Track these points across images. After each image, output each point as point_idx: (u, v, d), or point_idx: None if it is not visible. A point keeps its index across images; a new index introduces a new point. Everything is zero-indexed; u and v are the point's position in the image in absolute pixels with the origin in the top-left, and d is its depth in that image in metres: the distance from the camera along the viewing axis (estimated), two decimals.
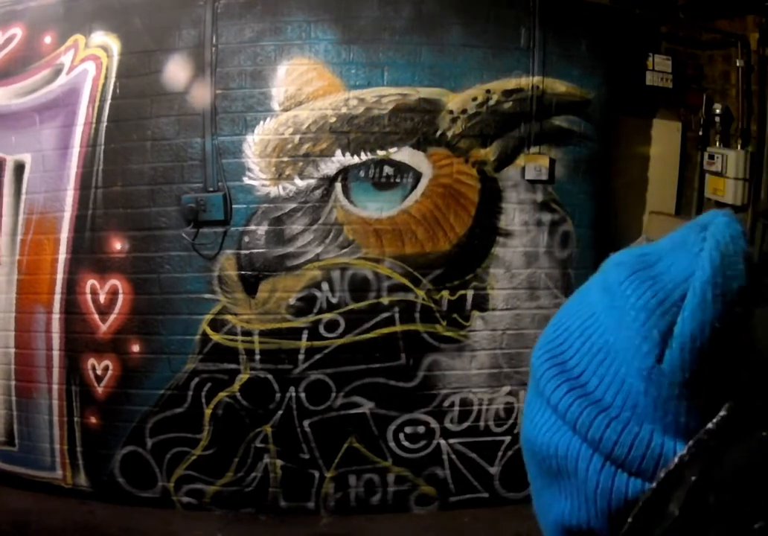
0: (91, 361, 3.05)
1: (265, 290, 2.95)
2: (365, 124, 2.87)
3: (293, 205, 2.91)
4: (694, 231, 0.40)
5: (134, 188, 2.95)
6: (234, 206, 2.92)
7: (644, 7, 2.99)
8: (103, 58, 2.92)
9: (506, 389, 3.08)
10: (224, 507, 3.07)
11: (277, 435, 3.01)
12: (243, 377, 2.99)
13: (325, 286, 2.94)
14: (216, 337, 2.98)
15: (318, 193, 2.90)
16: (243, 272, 2.95)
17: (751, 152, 2.86)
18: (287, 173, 2.90)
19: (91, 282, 3.02)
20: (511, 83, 2.90)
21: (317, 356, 2.97)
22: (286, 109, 2.87)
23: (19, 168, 3.05)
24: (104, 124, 2.94)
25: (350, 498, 3.05)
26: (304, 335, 2.96)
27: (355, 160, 2.89)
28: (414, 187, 2.92)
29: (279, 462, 3.03)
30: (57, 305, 3.06)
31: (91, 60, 2.93)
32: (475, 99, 2.89)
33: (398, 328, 2.96)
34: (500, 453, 3.09)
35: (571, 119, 2.95)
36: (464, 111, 2.89)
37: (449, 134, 2.90)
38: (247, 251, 2.95)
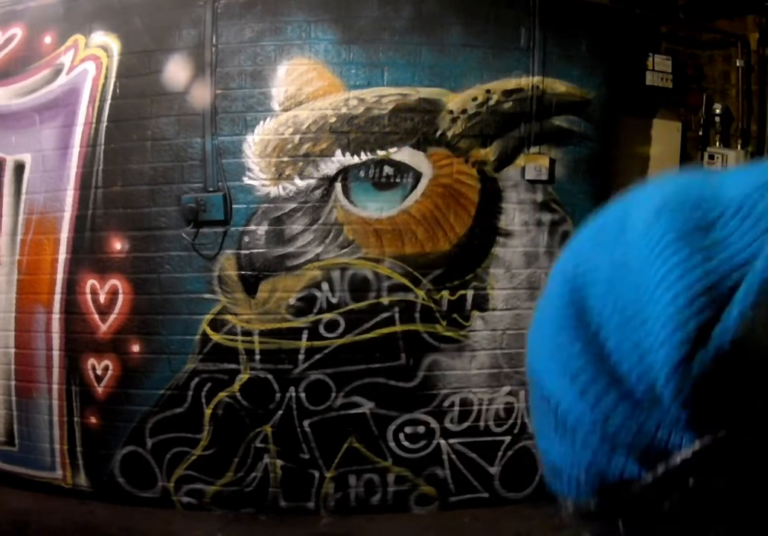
0: (91, 361, 3.05)
1: (265, 290, 2.95)
2: (365, 124, 2.87)
3: (293, 205, 2.91)
4: None
5: (134, 188, 2.95)
6: (234, 206, 2.92)
7: (644, 7, 2.99)
8: (103, 58, 2.92)
9: (506, 389, 3.08)
10: (224, 507, 3.07)
11: (277, 435, 3.01)
12: (243, 377, 2.99)
13: (325, 286, 2.94)
14: (216, 337, 2.98)
15: (318, 193, 2.90)
16: (243, 272, 2.96)
17: (751, 152, 2.86)
18: (287, 173, 2.90)
19: (91, 282, 3.02)
20: (511, 83, 2.90)
21: (317, 356, 2.97)
22: (286, 109, 2.87)
23: (19, 168, 3.05)
24: (104, 124, 2.94)
25: (350, 498, 3.05)
26: (304, 335, 2.96)
27: (355, 160, 2.89)
28: (414, 187, 2.92)
29: (279, 462, 3.03)
30: (57, 305, 3.06)
31: (91, 60, 2.93)
32: (475, 99, 2.89)
33: (398, 328, 2.96)
34: (500, 453, 3.09)
35: (571, 119, 2.95)
36: (464, 111, 2.89)
37: (449, 134, 2.90)
38: (247, 251, 2.95)
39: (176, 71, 2.89)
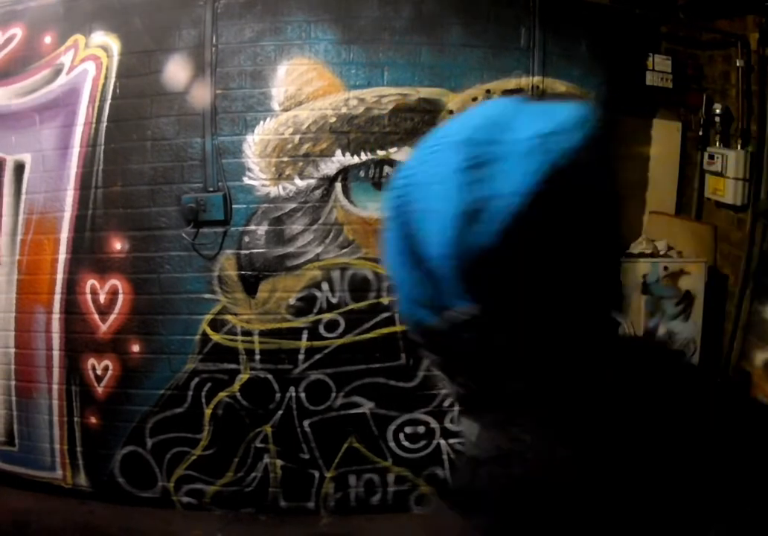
0: (91, 361, 3.05)
1: (265, 290, 2.95)
2: (365, 124, 2.87)
3: (293, 205, 2.91)
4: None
5: (134, 188, 2.95)
6: (234, 206, 2.92)
7: (644, 7, 2.99)
8: (103, 58, 2.92)
9: None
10: (224, 507, 3.07)
11: (277, 435, 3.01)
12: (243, 377, 2.99)
13: (325, 286, 2.94)
14: (216, 337, 2.98)
15: (318, 193, 2.90)
16: (243, 272, 2.95)
17: (751, 152, 2.86)
18: (287, 173, 2.90)
19: (91, 282, 3.02)
20: (511, 83, 2.90)
21: (317, 356, 2.97)
22: (286, 109, 2.87)
23: (19, 168, 3.05)
24: (104, 124, 2.94)
25: (350, 498, 3.05)
26: (304, 335, 2.96)
27: (355, 160, 2.89)
28: None
29: (279, 462, 3.03)
30: (57, 305, 3.06)
31: (91, 60, 2.93)
32: (475, 99, 2.89)
33: (398, 328, 2.96)
34: None
35: None
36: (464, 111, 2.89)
37: None
38: (247, 251, 2.95)
39: (176, 71, 2.89)
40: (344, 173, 2.90)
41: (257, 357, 2.97)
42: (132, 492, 3.11)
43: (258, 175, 2.91)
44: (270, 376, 2.98)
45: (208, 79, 2.88)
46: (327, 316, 2.95)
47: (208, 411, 3.02)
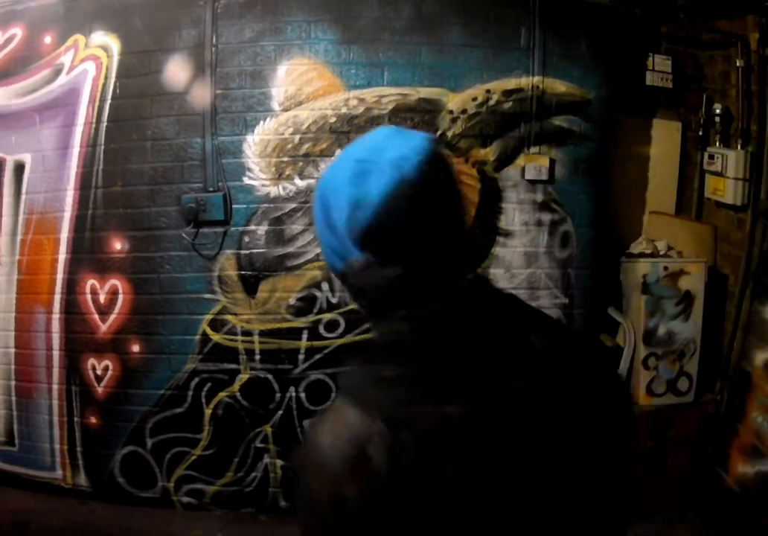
0: (91, 361, 3.06)
1: (265, 290, 2.95)
2: (365, 124, 2.86)
3: (293, 205, 2.91)
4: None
5: (134, 188, 2.95)
6: (234, 206, 2.92)
7: (644, 7, 2.99)
8: (103, 58, 2.92)
9: None
10: (224, 507, 3.07)
11: (277, 435, 3.01)
12: (243, 377, 2.99)
13: (325, 286, 2.94)
14: (216, 337, 2.98)
15: None
16: (243, 272, 2.96)
17: (751, 152, 2.86)
18: (287, 173, 2.90)
19: (91, 282, 3.02)
20: (511, 83, 2.90)
21: (317, 356, 2.97)
22: (286, 109, 2.87)
23: (19, 168, 3.05)
24: (104, 124, 2.94)
25: None
26: (304, 335, 2.96)
27: None
28: None
29: (279, 462, 3.03)
30: (57, 305, 3.06)
31: (91, 60, 2.93)
32: (475, 99, 2.89)
33: None
34: None
35: (571, 119, 2.95)
36: (464, 111, 2.89)
37: (449, 133, 2.90)
38: (247, 251, 2.95)
39: (176, 71, 2.89)
40: None
41: (257, 357, 2.97)
42: (132, 492, 3.11)
43: (258, 175, 2.91)
44: (270, 376, 2.98)
45: (208, 79, 2.88)
46: (327, 316, 2.95)
47: (208, 411, 3.02)
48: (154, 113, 2.91)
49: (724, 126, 3.05)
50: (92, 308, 3.03)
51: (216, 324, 2.97)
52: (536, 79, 2.89)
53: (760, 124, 2.82)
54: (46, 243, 3.05)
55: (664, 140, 3.30)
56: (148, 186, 2.94)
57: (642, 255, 3.05)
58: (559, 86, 2.92)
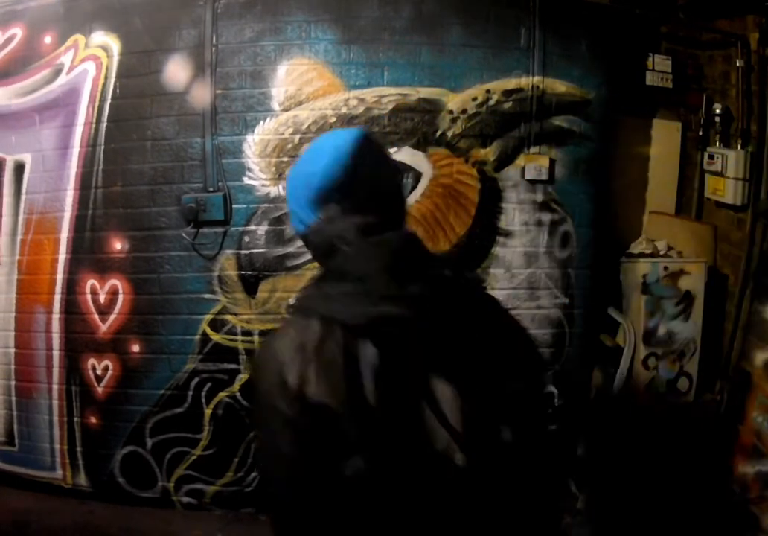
0: (91, 361, 3.06)
1: (265, 290, 2.95)
2: (365, 124, 2.87)
3: None
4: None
5: (134, 188, 2.95)
6: (234, 206, 2.92)
7: (644, 7, 2.99)
8: (103, 58, 2.92)
9: None
10: (224, 507, 3.08)
11: None
12: (243, 377, 2.99)
13: None
14: (216, 337, 2.98)
15: None
16: (243, 272, 2.96)
17: (751, 152, 2.86)
18: (287, 173, 2.89)
19: (91, 282, 3.02)
20: (511, 83, 2.90)
21: None
22: (286, 109, 2.88)
23: (19, 168, 3.05)
24: (104, 124, 2.94)
25: None
26: None
27: None
28: (414, 187, 2.92)
29: None
30: (57, 305, 3.07)
31: (91, 60, 2.94)
32: (475, 99, 2.89)
33: None
34: None
35: (571, 119, 2.95)
36: (464, 111, 2.89)
37: (449, 133, 2.90)
38: (247, 251, 2.95)
39: (176, 71, 2.89)
40: None
41: None
42: (132, 492, 3.12)
43: (258, 175, 2.91)
44: None
45: (208, 79, 2.88)
46: None
47: (208, 411, 3.02)
48: (154, 113, 2.91)
49: (724, 126, 3.05)
50: (92, 308, 3.03)
51: (216, 324, 2.97)
52: (536, 79, 2.90)
53: (760, 124, 2.82)
54: (46, 243, 3.05)
55: (664, 140, 3.30)
56: (148, 186, 2.94)
57: (642, 255, 3.05)
58: (559, 86, 2.92)
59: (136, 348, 3.01)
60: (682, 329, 2.88)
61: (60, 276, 3.05)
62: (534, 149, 2.94)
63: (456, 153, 2.91)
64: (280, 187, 2.91)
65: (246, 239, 2.94)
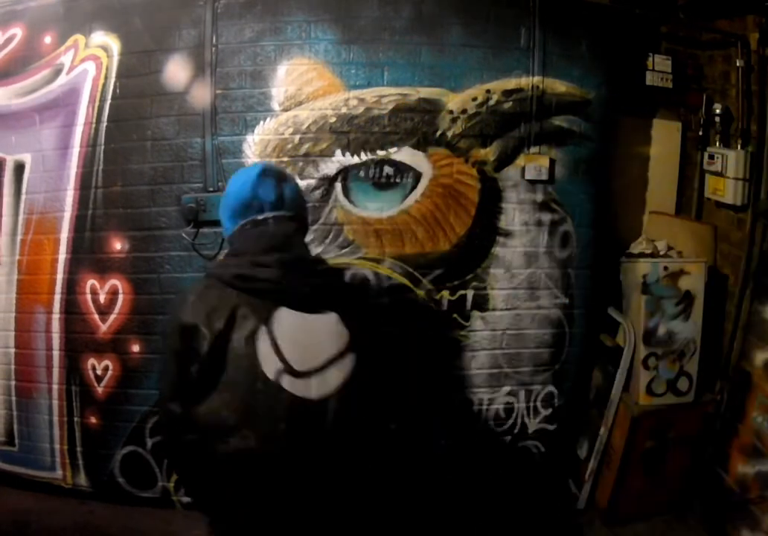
0: (91, 361, 3.06)
1: None
2: (365, 124, 2.87)
3: None
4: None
5: (134, 188, 2.95)
6: None
7: (644, 7, 2.99)
8: (103, 58, 2.92)
9: (506, 389, 3.08)
10: None
11: None
12: None
13: None
14: None
15: (318, 193, 2.90)
16: None
17: (751, 152, 2.86)
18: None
19: (91, 282, 3.02)
20: (511, 83, 2.90)
21: None
22: (286, 109, 2.88)
23: (19, 168, 3.05)
24: (104, 124, 2.94)
25: None
26: None
27: (355, 160, 2.89)
28: (414, 187, 2.92)
29: None
30: (57, 305, 3.06)
31: (91, 60, 2.93)
32: (475, 99, 2.89)
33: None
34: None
35: (571, 119, 2.95)
36: (464, 111, 2.89)
37: (449, 134, 2.90)
38: None
39: (176, 71, 2.89)
40: (344, 173, 2.90)
41: None
42: (132, 492, 3.12)
43: None
44: None
45: (208, 79, 2.88)
46: None
47: None
48: (154, 113, 2.91)
49: (724, 126, 3.05)
50: (92, 308, 3.03)
51: None
52: (536, 79, 2.90)
53: (760, 125, 2.83)
54: (46, 243, 3.05)
55: (664, 139, 3.30)
56: (148, 186, 2.94)
57: (642, 255, 3.05)
58: (559, 86, 2.92)
59: (136, 348, 3.01)
60: (682, 329, 2.88)
61: (60, 276, 3.04)
62: (534, 149, 2.94)
63: (456, 153, 2.91)
64: None
65: None
